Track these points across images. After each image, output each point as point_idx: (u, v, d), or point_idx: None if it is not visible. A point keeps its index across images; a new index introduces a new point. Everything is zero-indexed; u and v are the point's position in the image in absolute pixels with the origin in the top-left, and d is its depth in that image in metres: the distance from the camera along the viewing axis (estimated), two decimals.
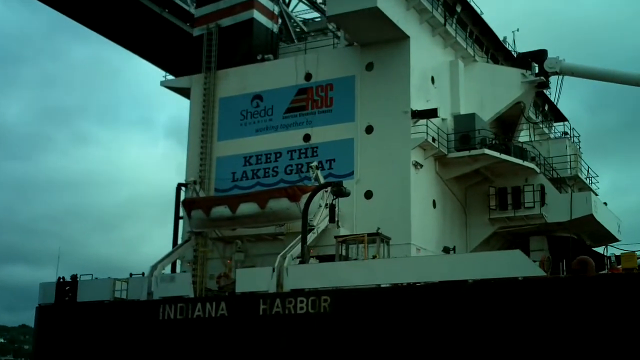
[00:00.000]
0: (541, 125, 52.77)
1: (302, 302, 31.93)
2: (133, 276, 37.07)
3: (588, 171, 46.02)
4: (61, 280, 37.95)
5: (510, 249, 42.61)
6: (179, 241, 41.10)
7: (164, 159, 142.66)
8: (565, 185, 43.68)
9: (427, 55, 40.75)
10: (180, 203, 39.98)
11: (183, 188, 41.59)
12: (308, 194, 35.65)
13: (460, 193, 42.69)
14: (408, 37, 38.95)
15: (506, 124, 46.40)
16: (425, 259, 33.45)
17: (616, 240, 46.07)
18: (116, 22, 48.54)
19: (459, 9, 43.22)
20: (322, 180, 36.93)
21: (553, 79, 46.46)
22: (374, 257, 32.64)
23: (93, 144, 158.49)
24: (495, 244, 43.61)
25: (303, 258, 33.42)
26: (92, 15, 48.51)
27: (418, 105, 38.88)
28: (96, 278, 37.61)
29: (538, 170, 42.07)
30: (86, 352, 36.12)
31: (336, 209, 34.40)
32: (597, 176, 46.78)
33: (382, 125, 38.79)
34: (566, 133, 50.95)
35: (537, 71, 45.82)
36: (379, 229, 33.84)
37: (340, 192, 33.52)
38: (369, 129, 39.09)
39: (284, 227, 38.06)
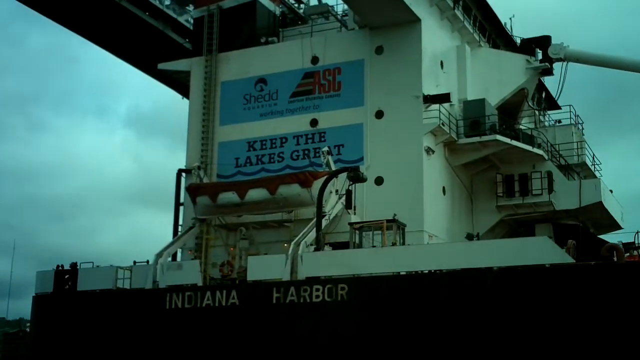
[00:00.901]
0: (540, 113, 52.18)
1: (318, 290, 30.80)
2: (137, 264, 35.73)
3: (593, 158, 45.54)
4: (60, 268, 36.50)
5: (516, 236, 42.71)
6: (180, 229, 39.95)
7: (121, 149, 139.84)
8: (572, 172, 43.10)
9: (436, 39, 39.96)
10: (184, 189, 38.67)
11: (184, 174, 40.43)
12: (320, 180, 34.66)
13: (466, 180, 41.97)
14: (419, 20, 38.11)
15: (508, 110, 45.63)
16: (448, 246, 32.62)
17: (620, 228, 45.67)
18: (73, 10, 47.38)
19: None
20: (332, 166, 35.92)
21: (557, 66, 45.89)
22: (394, 244, 31.70)
23: (48, 131, 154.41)
24: (500, 232, 43.01)
25: (318, 245, 32.37)
26: (50, 4, 47.23)
27: (428, 90, 38.12)
28: (97, 266, 36.21)
29: (546, 157, 41.43)
30: (88, 342, 34.70)
31: (353, 195, 33.30)
32: (601, 163, 46.35)
33: (392, 110, 37.90)
34: (559, 121, 50.40)
35: (540, 57, 45.27)
36: (395, 215, 32.94)
37: (357, 177, 32.50)
38: (379, 114, 38.17)
39: (292, 213, 37.00)
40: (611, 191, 43.83)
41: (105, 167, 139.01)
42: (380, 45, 38.76)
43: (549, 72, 45.48)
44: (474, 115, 39.76)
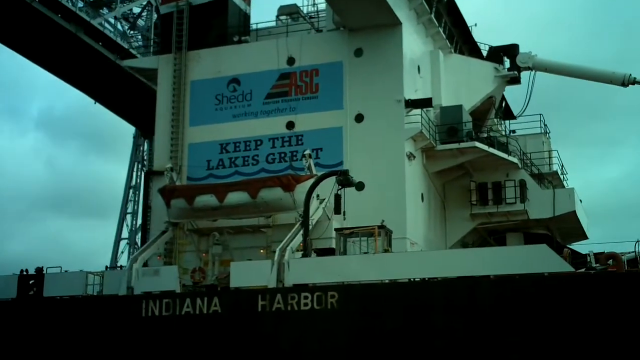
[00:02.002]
0: (500, 122, 52.15)
1: (306, 298, 29.64)
2: (109, 269, 33.98)
3: (562, 167, 45.73)
4: (24, 272, 34.40)
5: (487, 245, 42.55)
6: (149, 233, 38.31)
7: (33, 152, 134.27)
8: (545, 182, 43.10)
9: (414, 43, 39.44)
10: (157, 191, 36.99)
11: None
12: (303, 184, 33.77)
13: (439, 187, 41.45)
14: (400, 23, 37.46)
15: (475, 118, 45.44)
16: (443, 254, 32.06)
17: (586, 237, 45.91)
18: None
19: None
20: (314, 170, 34.94)
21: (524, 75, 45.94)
22: (386, 250, 30.84)
23: None
24: (470, 241, 42.66)
25: (306, 251, 31.28)
26: None
27: (407, 94, 37.46)
28: (65, 271, 34.25)
29: (520, 166, 41.29)
30: (56, 352, 32.71)
31: (342, 200, 32.30)
32: (567, 173, 46.54)
33: (373, 114, 37.13)
34: (513, 131, 50.46)
35: (508, 66, 45.31)
36: (383, 221, 32.07)
37: (347, 181, 31.54)
38: (359, 118, 37.36)
39: (270, 219, 35.79)
40: (581, 201, 44.02)
41: (15, 169, 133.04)
42: (360, 48, 37.96)
43: (517, 80, 45.52)
44: (451, 122, 39.28)
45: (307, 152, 35.06)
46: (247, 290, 30.86)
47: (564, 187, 45.23)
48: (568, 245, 42.16)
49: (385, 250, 30.86)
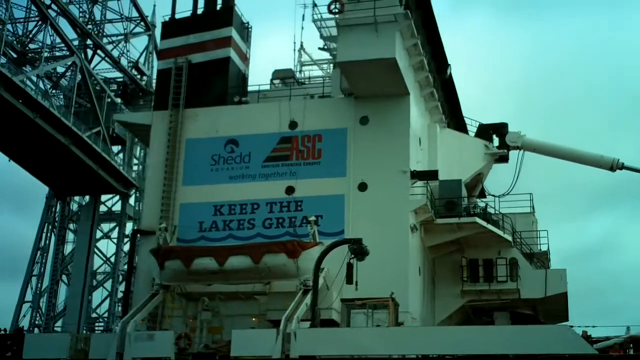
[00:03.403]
0: (483, 200, 52.01)
1: None
2: (97, 332, 31.97)
3: (548, 247, 45.48)
4: (3, 331, 32.18)
5: (474, 323, 41.81)
6: (133, 295, 36.48)
7: None
8: (536, 261, 42.76)
9: (417, 115, 39.11)
10: (150, 251, 35.25)
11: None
12: (308, 251, 32.73)
13: (430, 262, 40.73)
14: (408, 93, 37.17)
15: None
16: (461, 330, 31.00)
17: (566, 319, 45.47)
18: None
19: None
20: (317, 237, 33.89)
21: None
22: (400, 324, 29.74)
23: None
24: (455, 318, 41.84)
25: (314, 321, 29.92)
26: None
27: (411, 165, 36.92)
28: (46, 332, 32.12)
29: (513, 244, 40.93)
30: None
31: (355, 269, 31.11)
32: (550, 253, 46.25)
33: (377, 184, 36.41)
34: (485, 209, 50.25)
35: (497, 144, 45.41)
36: (392, 293, 31.12)
37: (361, 250, 30.46)
38: (363, 186, 36.58)
39: (268, 285, 34.43)
40: None
41: None
42: (366, 116, 37.46)
43: (505, 159, 45.52)
44: (450, 196, 38.85)
45: (312, 218, 34.02)
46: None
47: (549, 267, 45.00)
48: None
49: (399, 324, 29.74)
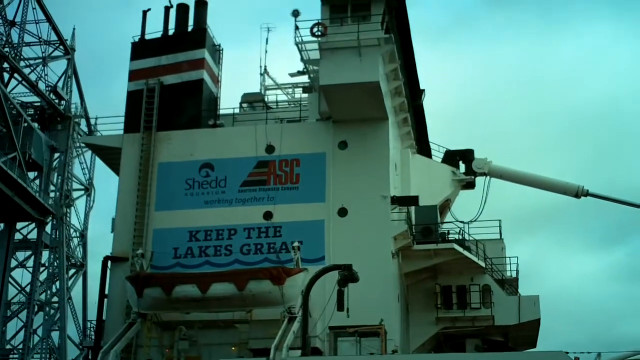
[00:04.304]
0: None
1: None
2: None
3: (517, 272, 45.59)
4: None
5: (446, 350, 41.59)
6: (106, 325, 35.16)
7: None
8: (507, 287, 42.80)
9: (393, 140, 38.91)
10: (126, 278, 33.97)
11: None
12: (293, 277, 32.14)
13: (405, 289, 40.40)
14: (387, 118, 36.97)
15: None
16: (459, 356, 30.55)
17: (534, 346, 45.64)
18: None
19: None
20: (300, 264, 33.24)
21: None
22: (394, 351, 29.24)
23: None
24: (428, 345, 41.53)
25: (305, 350, 29.21)
26: None
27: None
28: None
29: (486, 271, 40.92)
30: None
31: (346, 295, 30.46)
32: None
33: (357, 209, 35.96)
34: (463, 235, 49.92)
35: (463, 170, 45.56)
36: (382, 320, 30.66)
37: (351, 277, 29.89)
38: (343, 212, 36.08)
39: (250, 313, 33.54)
40: None
41: None
42: (344, 140, 37.06)
43: (472, 185, 45.63)
44: (426, 222, 38.66)
45: (296, 244, 33.42)
46: None
47: (517, 293, 45.15)
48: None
49: (394, 352, 29.26)
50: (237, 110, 42.66)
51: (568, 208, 75.18)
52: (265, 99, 45.40)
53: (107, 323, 35.76)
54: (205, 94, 39.91)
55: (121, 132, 39.64)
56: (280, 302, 31.93)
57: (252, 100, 43.65)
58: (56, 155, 51.98)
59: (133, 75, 40.26)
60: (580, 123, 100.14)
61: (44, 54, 52.20)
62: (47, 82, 51.49)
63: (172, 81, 39.68)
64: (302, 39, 35.51)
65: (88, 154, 54.75)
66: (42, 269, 50.67)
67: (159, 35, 41.44)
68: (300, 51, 35.76)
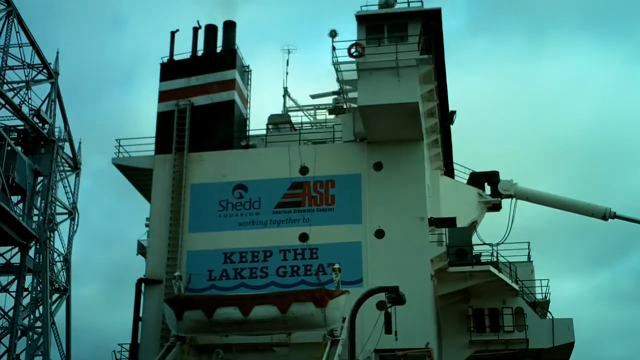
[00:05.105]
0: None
1: None
2: None
3: (545, 296, 45.22)
4: None
5: None
6: (140, 349, 34.58)
7: None
8: (538, 310, 42.42)
9: (426, 161, 38.67)
10: (165, 301, 33.45)
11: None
12: (336, 300, 31.65)
13: (438, 312, 39.96)
14: (422, 139, 36.77)
15: None
16: None
17: None
18: None
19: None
20: (340, 286, 32.82)
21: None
22: None
23: None
24: None
25: None
26: None
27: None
28: None
29: (519, 293, 40.56)
30: None
31: (393, 318, 29.98)
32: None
33: (395, 231, 35.64)
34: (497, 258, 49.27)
35: (489, 192, 45.35)
36: (428, 343, 30.24)
37: (399, 299, 29.47)
38: (380, 233, 35.73)
39: (290, 336, 33.04)
40: None
41: None
42: (379, 162, 36.79)
43: (498, 207, 45.39)
44: (460, 244, 38.29)
45: (337, 266, 32.93)
46: None
47: (546, 316, 44.77)
48: None
49: None
50: (263, 132, 42.44)
51: (550, 229, 75.82)
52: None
53: (141, 346, 35.15)
54: (236, 115, 39.58)
55: (150, 153, 39.25)
56: (322, 324, 31.45)
57: (279, 122, 43.30)
58: (40, 179, 51.61)
59: (163, 96, 39.93)
60: (563, 147, 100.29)
61: (27, 78, 51.90)
62: (30, 106, 51.23)
63: (203, 102, 39.36)
64: (335, 60, 35.31)
65: (72, 177, 54.53)
66: (25, 293, 50.03)
67: (187, 56, 41.13)
68: (336, 72, 35.54)
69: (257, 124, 44.34)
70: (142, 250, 43.85)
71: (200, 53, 41.34)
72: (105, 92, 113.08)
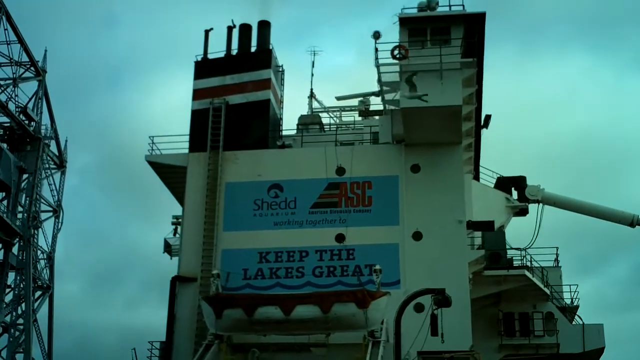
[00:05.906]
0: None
1: None
2: None
3: (572, 301, 45.16)
4: None
5: None
6: (174, 347, 34.36)
7: None
8: (567, 315, 42.35)
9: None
10: (203, 299, 33.23)
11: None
12: (377, 301, 31.53)
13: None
14: (461, 142, 36.68)
15: None
16: None
17: None
18: None
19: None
20: (380, 287, 32.68)
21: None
22: None
23: None
24: None
25: None
26: None
27: None
28: None
29: (549, 298, 40.50)
30: None
31: (440, 321, 29.82)
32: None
33: (432, 233, 35.51)
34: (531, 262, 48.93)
35: (516, 197, 45.28)
36: (472, 346, 30.08)
37: (445, 301, 29.29)
38: (417, 236, 35.60)
39: (329, 337, 32.87)
40: None
41: None
42: (417, 164, 36.66)
43: (525, 212, 45.32)
44: (494, 247, 38.29)
45: (378, 267, 32.79)
46: None
47: (572, 321, 44.71)
48: None
49: None
50: (293, 132, 42.35)
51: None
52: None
53: (175, 345, 34.94)
54: (271, 115, 39.44)
55: (185, 151, 39.06)
56: (363, 325, 31.31)
57: (309, 123, 43.26)
58: (25, 176, 51.17)
59: (198, 94, 39.74)
60: (556, 154, 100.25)
61: (14, 75, 51.51)
62: (17, 103, 50.77)
63: (238, 101, 39.20)
64: (378, 62, 35.27)
65: (57, 175, 54.29)
66: (7, 290, 49.70)
67: (221, 54, 40.99)
68: (379, 73, 35.43)
69: (290, 124, 44.43)
70: (168, 248, 43.77)
71: (234, 52, 41.15)
72: (95, 90, 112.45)
